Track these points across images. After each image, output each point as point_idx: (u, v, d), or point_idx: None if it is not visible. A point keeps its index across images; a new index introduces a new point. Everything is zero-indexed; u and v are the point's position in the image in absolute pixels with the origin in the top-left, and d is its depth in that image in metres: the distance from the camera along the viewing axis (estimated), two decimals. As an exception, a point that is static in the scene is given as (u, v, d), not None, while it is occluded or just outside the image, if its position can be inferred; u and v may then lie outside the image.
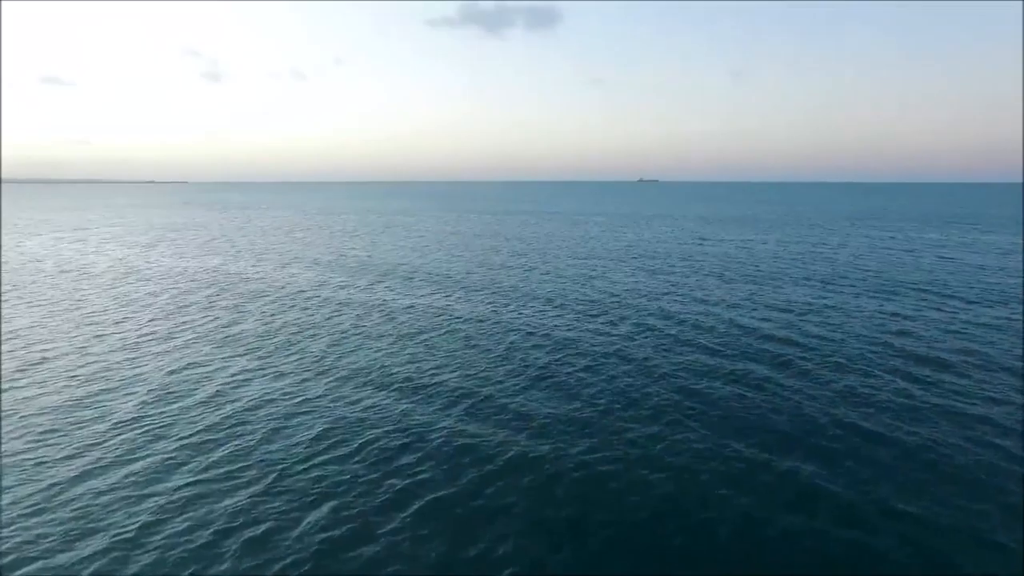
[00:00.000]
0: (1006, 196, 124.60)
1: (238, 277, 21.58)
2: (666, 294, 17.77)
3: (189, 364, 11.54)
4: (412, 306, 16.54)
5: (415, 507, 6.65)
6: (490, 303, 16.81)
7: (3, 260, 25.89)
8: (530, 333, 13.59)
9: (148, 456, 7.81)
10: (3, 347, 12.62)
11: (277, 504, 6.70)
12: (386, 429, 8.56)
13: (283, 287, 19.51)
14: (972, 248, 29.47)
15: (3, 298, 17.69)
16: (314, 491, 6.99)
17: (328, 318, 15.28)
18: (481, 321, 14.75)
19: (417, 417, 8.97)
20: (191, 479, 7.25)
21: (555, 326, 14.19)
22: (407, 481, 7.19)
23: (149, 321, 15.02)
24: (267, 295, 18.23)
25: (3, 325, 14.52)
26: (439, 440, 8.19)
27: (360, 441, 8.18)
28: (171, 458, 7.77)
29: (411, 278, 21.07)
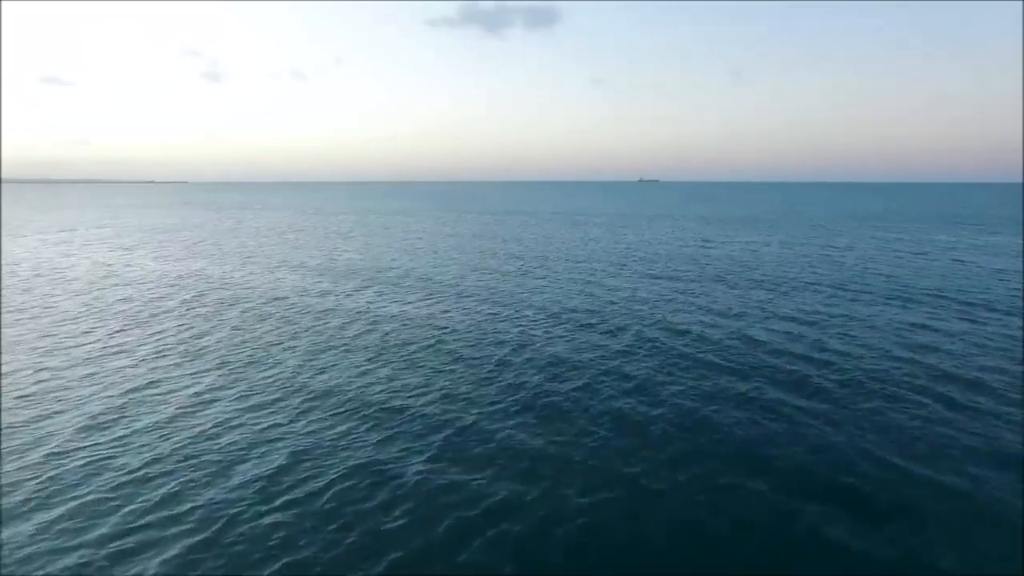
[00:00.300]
0: (1007, 196, 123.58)
1: (219, 282, 20.60)
2: (669, 301, 16.78)
3: (150, 382, 10.56)
4: (399, 315, 15.55)
5: (384, 566, 5.68)
6: (482, 311, 15.82)
7: (-20, 263, 24.93)
8: (523, 345, 12.62)
9: (82, 495, 6.83)
10: (-47, 361, 11.66)
11: (221, 562, 5.73)
12: (358, 463, 7.58)
13: (264, 293, 18.53)
14: (986, 251, 28.49)
15: (-32, 305, 16.73)
16: (269, 543, 6.01)
17: (308, 328, 14.29)
18: (471, 332, 13.77)
19: (394, 449, 7.99)
20: (126, 525, 6.27)
21: (549, 338, 13.21)
22: (378, 531, 6.21)
23: (117, 331, 14.03)
24: (247, 302, 17.25)
25: (-40, 335, 13.56)
26: (417, 478, 7.21)
27: (327, 479, 7.20)
28: (107, 498, 6.80)
29: (401, 283, 20.10)
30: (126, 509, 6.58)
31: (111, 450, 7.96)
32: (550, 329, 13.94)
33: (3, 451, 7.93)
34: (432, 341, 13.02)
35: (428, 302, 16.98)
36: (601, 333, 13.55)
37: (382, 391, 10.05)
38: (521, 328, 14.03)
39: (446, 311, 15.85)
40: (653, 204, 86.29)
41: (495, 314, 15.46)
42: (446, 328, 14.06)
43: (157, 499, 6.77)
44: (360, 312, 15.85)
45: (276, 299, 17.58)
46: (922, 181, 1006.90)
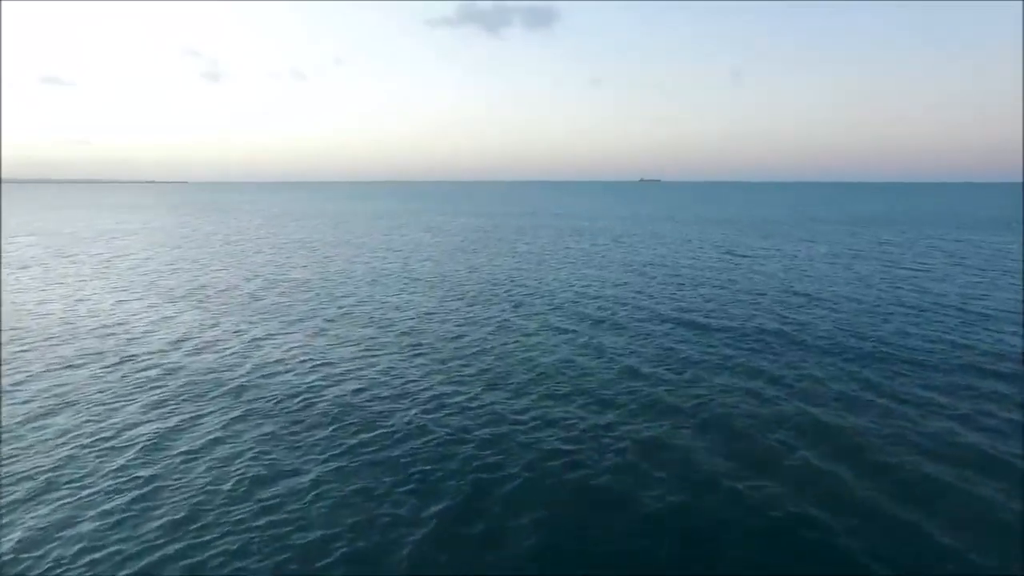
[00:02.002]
0: (1015, 196, 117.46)
1: (76, 322, 14.64)
2: (720, 394, 10.55)
3: None
4: (306, 381, 9.72)
5: None
6: (434, 386, 9.95)
7: None
8: (487, 442, 6.77)
9: None
10: None
11: None
12: None
13: (114, 343, 12.58)
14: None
15: None
16: None
17: (136, 395, 8.43)
18: (401, 427, 7.91)
19: None
20: None
21: (520, 440, 7.36)
22: None
23: None
24: (91, 352, 11.38)
25: None
26: None
27: None
28: None
29: (327, 323, 14.21)
30: None
31: None
32: (523, 414, 8.04)
33: None
34: (338, 451, 7.17)
35: (358, 366, 11.05)
36: (597, 431, 7.64)
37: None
38: (482, 420, 8.14)
39: (382, 385, 9.97)
40: (658, 205, 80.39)
41: (447, 396, 9.54)
42: (371, 419, 8.14)
43: None
44: (252, 377, 10.00)
45: (121, 356, 11.68)
46: (922, 181, 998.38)
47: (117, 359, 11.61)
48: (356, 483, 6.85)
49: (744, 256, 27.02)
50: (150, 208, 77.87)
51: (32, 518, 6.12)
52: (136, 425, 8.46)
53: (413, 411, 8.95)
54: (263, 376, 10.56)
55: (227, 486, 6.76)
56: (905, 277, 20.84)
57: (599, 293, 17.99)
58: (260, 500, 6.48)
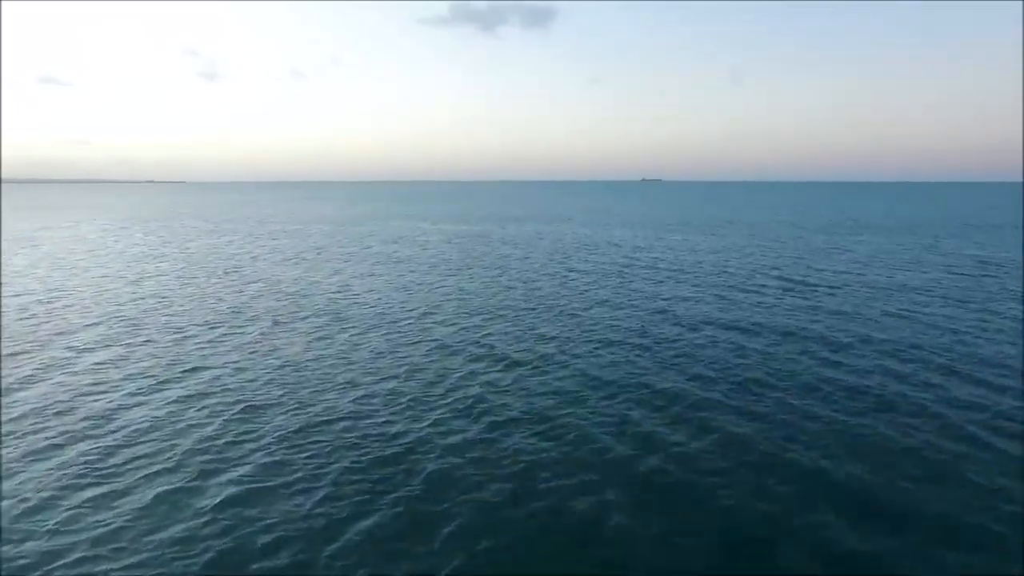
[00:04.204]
0: (1016, 196, 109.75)
1: None
2: None
3: None
4: None
5: None
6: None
7: None
8: None
9: None
10: None
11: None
12: None
13: None
14: None
15: None
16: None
17: None
18: None
19: None
20: None
21: None
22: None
23: None
24: None
25: None
26: None
27: None
28: None
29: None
30: None
31: None
32: None
33: None
34: None
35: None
36: None
37: None
38: None
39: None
40: (667, 208, 72.80)
41: None
42: None
43: None
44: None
45: None
46: (922, 181, 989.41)
47: None
48: None
49: (820, 291, 19.22)
50: (108, 210, 70.57)
51: None
52: None
53: None
54: None
55: None
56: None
57: (620, 405, 10.40)
58: None
